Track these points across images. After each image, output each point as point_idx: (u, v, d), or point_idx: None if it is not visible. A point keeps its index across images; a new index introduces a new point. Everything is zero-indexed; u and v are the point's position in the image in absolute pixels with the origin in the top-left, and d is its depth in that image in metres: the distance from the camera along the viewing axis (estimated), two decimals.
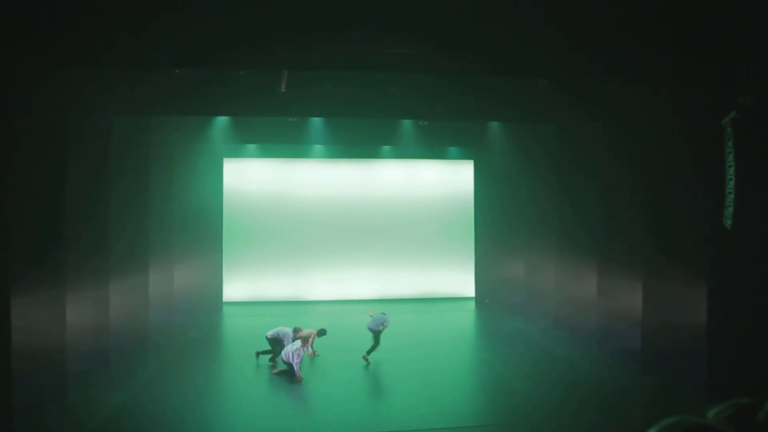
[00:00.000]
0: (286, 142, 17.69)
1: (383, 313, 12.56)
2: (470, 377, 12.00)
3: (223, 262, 18.60)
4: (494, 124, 17.58)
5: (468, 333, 15.98)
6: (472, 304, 19.09)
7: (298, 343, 11.34)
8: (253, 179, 19.11)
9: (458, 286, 19.68)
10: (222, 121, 16.34)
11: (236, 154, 18.56)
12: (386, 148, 18.80)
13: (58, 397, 9.35)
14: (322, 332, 12.54)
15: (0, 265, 7.67)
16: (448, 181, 19.95)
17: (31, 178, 8.88)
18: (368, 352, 12.14)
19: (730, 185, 7.59)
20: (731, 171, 7.59)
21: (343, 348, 12.87)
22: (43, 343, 9.08)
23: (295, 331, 12.08)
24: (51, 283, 9.32)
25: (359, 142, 17.82)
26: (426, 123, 16.96)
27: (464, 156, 19.66)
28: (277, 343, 12.17)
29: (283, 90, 12.21)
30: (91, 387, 10.14)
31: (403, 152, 18.69)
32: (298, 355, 11.07)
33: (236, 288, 18.87)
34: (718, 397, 1.93)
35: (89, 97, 10.49)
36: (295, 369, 10.98)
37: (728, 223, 7.67)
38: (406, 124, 17.25)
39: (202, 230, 17.70)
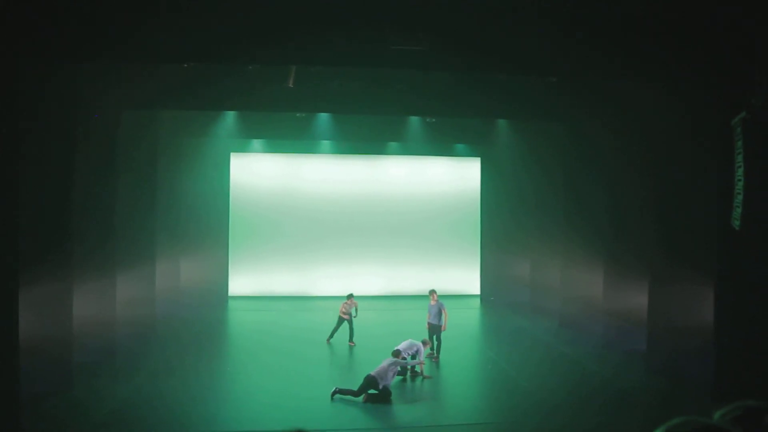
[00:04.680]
0: (293, 138, 17.71)
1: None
2: (475, 374, 12.00)
3: (229, 256, 18.65)
4: (502, 122, 17.53)
5: (473, 330, 15.97)
6: (478, 301, 19.08)
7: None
8: (259, 174, 19.13)
9: (464, 283, 19.66)
10: (229, 115, 16.36)
11: (243, 149, 18.59)
12: (393, 144, 18.77)
13: (64, 389, 9.42)
14: (350, 296, 13.36)
15: (8, 257, 7.72)
16: (455, 178, 19.91)
17: (39, 172, 8.92)
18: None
19: (739, 186, 7.55)
20: (740, 171, 7.55)
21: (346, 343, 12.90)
22: (50, 335, 9.14)
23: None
24: (58, 275, 9.38)
25: (366, 138, 17.79)
26: (433, 120, 16.91)
27: (471, 153, 19.62)
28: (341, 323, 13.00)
29: (290, 85, 12.21)
30: (97, 379, 10.21)
31: (409, 149, 18.67)
32: (393, 373, 10.15)
33: (242, 282, 18.92)
34: (724, 398, 1.92)
35: (97, 91, 10.51)
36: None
37: (736, 224, 7.64)
38: (414, 120, 17.22)
39: (209, 224, 17.75)
